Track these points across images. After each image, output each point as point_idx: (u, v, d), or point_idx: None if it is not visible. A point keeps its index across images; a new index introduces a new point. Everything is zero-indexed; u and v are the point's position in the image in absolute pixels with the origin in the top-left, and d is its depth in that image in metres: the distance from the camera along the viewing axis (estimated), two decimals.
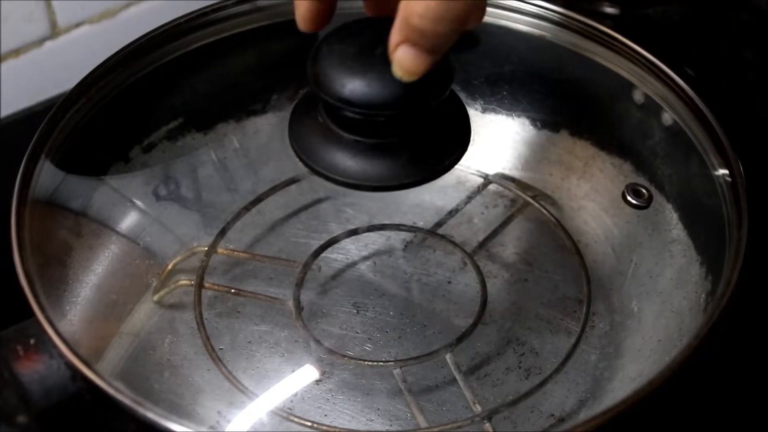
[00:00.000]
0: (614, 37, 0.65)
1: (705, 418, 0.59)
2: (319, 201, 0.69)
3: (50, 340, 0.51)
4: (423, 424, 0.55)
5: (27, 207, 0.55)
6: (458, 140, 0.54)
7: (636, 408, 0.48)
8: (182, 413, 0.57)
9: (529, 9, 0.67)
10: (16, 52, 0.70)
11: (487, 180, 0.68)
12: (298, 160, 0.54)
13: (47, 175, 0.58)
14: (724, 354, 0.55)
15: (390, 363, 0.58)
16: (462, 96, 0.71)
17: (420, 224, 0.67)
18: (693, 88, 0.65)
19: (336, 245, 0.65)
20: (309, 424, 0.55)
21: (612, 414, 0.48)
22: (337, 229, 0.66)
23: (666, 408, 0.51)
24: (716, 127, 0.60)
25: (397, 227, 0.67)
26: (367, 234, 0.66)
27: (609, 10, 0.73)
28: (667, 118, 0.64)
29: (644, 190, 0.65)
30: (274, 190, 0.68)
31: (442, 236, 0.65)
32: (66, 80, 0.72)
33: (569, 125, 0.69)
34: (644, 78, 0.64)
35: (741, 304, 0.53)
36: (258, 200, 0.67)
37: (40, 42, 0.71)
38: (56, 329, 0.51)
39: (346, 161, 0.52)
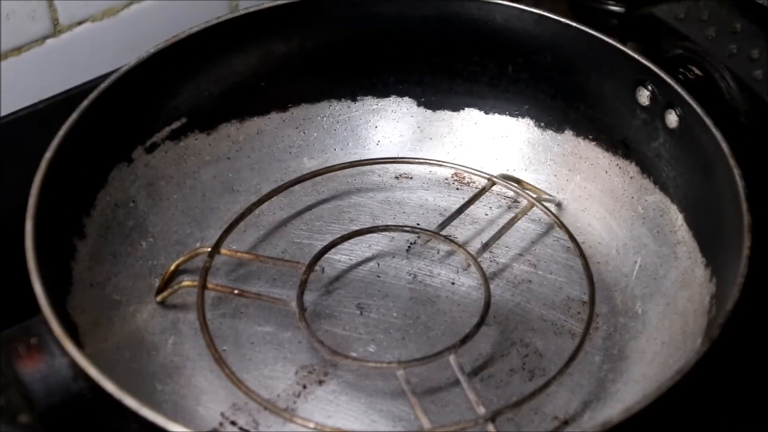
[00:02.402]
0: (613, 46, 0.65)
1: (709, 421, 0.59)
2: (322, 202, 0.69)
3: (57, 339, 0.51)
4: (426, 425, 0.55)
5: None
6: None
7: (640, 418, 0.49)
8: (185, 414, 0.57)
9: (533, 10, 0.67)
10: (18, 50, 0.70)
11: (491, 181, 0.68)
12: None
13: (54, 176, 0.58)
14: (729, 356, 0.54)
15: (393, 364, 0.58)
16: (466, 98, 0.71)
17: (423, 225, 0.67)
18: (697, 88, 0.65)
19: (339, 246, 0.64)
20: (312, 425, 0.55)
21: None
22: (340, 230, 0.66)
23: (672, 410, 0.51)
24: (718, 128, 0.60)
25: (401, 228, 0.66)
26: (370, 235, 0.66)
27: (614, 8, 0.72)
28: (672, 119, 0.64)
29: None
30: (277, 191, 0.68)
31: (446, 237, 0.65)
32: (68, 78, 0.73)
33: (574, 126, 0.69)
34: (649, 80, 0.64)
35: (747, 306, 0.53)
36: (261, 201, 0.67)
37: (42, 40, 0.71)
38: (63, 328, 0.51)
39: None
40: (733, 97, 0.66)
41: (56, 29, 0.71)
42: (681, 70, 0.67)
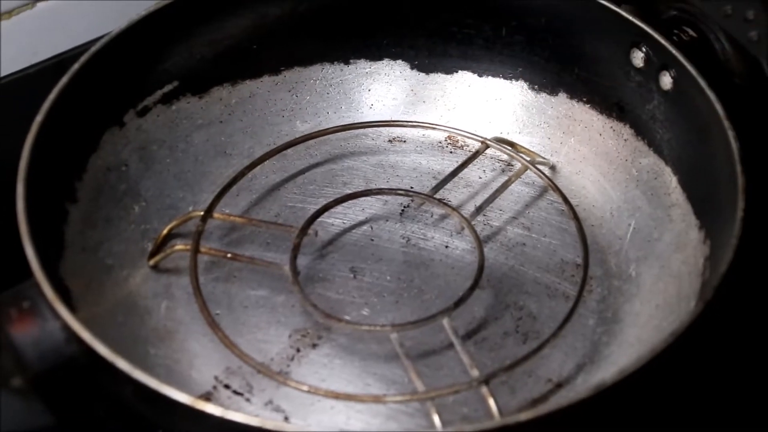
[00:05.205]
0: (608, 7, 0.65)
1: (703, 383, 0.60)
2: (315, 165, 0.69)
3: (49, 303, 0.51)
4: (420, 388, 0.55)
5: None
6: None
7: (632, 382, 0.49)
8: (178, 378, 0.57)
9: None
10: (9, 13, 0.69)
11: (485, 144, 0.68)
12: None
13: (46, 140, 0.58)
14: (723, 319, 0.54)
15: (387, 328, 0.58)
16: (459, 61, 0.71)
17: (417, 188, 0.67)
18: (692, 49, 0.64)
19: (333, 210, 0.64)
20: (306, 388, 0.55)
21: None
22: (333, 194, 0.66)
23: (666, 372, 0.51)
24: (712, 90, 0.59)
25: (394, 191, 0.66)
26: (363, 198, 0.66)
27: None
28: (666, 81, 0.63)
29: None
30: (269, 154, 0.67)
31: (440, 200, 0.65)
32: (59, 42, 0.72)
33: (568, 88, 0.69)
34: (643, 42, 0.64)
35: (741, 268, 0.53)
36: (254, 165, 0.66)
37: (33, 3, 0.70)
38: (55, 292, 0.51)
39: None
40: (728, 59, 0.66)
41: None
42: (675, 31, 0.67)
